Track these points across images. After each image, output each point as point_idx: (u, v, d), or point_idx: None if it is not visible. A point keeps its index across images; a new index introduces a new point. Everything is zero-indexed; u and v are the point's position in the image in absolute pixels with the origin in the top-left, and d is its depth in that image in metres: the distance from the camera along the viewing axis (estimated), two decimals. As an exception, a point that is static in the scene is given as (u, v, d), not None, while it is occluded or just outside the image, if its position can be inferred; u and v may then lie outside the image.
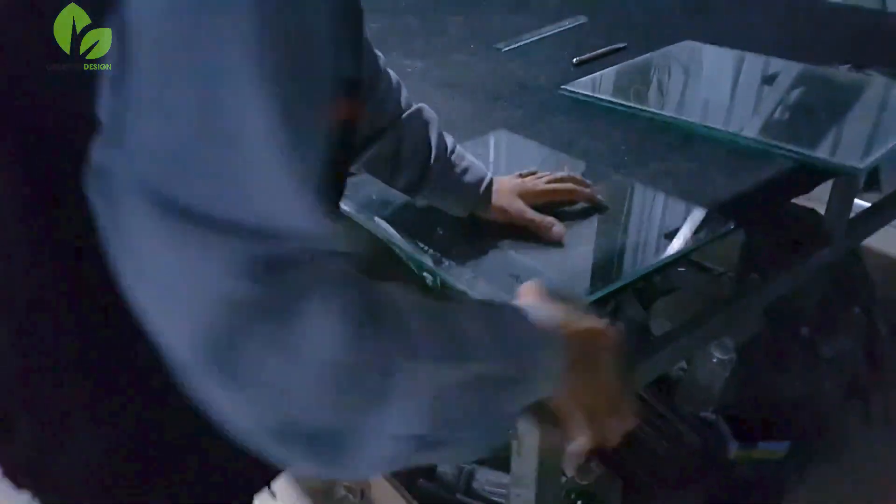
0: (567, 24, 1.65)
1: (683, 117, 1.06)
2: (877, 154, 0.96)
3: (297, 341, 0.34)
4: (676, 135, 1.05)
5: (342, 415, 0.36)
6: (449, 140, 0.82)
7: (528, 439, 0.91)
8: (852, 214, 1.28)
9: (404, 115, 0.78)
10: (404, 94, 0.80)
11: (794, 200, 1.57)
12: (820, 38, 1.53)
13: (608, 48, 1.44)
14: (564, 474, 1.23)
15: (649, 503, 1.42)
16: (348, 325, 0.35)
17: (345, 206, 0.91)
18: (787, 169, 0.95)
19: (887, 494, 1.55)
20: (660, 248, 0.78)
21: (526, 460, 0.91)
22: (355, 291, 0.36)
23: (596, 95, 1.15)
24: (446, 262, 0.78)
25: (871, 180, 1.57)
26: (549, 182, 0.87)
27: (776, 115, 1.13)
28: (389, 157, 0.79)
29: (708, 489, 1.46)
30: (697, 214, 0.84)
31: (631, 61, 1.33)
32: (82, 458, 0.56)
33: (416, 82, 1.32)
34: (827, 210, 1.21)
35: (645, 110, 1.10)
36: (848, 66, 1.31)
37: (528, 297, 0.54)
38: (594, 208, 0.88)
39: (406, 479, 1.44)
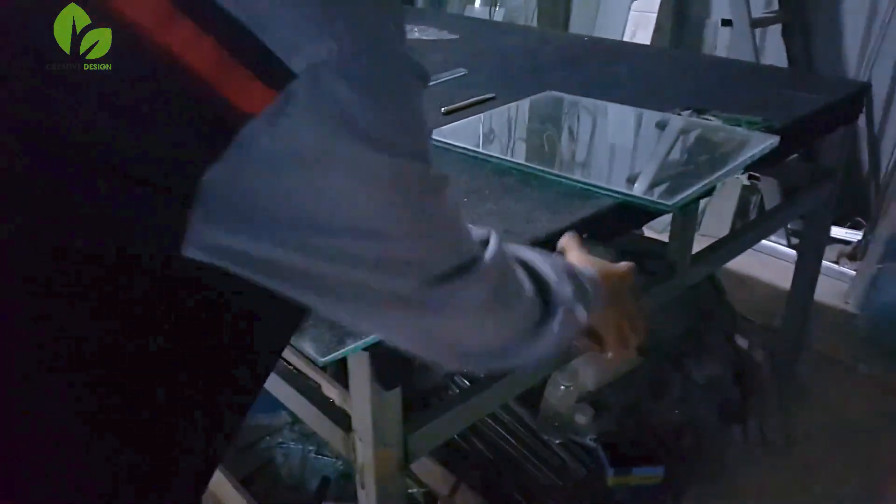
0: (447, 75, 1.74)
1: (522, 161, 1.14)
2: (688, 192, 1.05)
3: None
4: (516, 178, 1.12)
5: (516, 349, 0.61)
6: None
7: (367, 472, 0.94)
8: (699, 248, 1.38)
9: None
10: None
11: (647, 235, 1.66)
12: (682, 87, 1.66)
13: (477, 98, 1.53)
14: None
15: (530, 532, 1.46)
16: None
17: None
18: (606, 208, 1.03)
19: (763, 513, 1.63)
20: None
21: (368, 492, 0.95)
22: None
23: (448, 142, 1.23)
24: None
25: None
26: None
27: (605, 157, 1.22)
28: None
29: (588, 516, 1.51)
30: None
31: (493, 110, 1.42)
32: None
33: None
34: (668, 244, 1.30)
35: (490, 155, 1.17)
36: (689, 111, 1.42)
37: (571, 250, 0.79)
38: None
39: None
